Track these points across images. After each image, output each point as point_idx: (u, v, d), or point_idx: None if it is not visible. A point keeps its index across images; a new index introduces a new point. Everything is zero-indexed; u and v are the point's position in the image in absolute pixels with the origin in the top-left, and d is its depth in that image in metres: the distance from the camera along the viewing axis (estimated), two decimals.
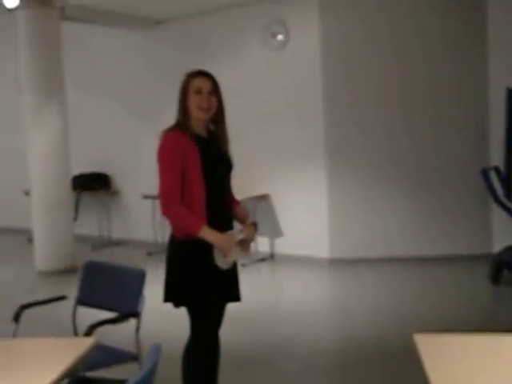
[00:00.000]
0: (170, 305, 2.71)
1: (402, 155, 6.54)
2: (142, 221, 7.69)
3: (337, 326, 4.85)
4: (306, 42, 6.64)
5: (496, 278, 5.52)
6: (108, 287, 2.88)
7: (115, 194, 8.27)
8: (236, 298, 2.83)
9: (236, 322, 4.24)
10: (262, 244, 6.91)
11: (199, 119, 2.72)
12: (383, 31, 6.45)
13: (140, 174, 7.65)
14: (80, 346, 2.09)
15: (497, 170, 5.86)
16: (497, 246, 6.12)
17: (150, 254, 7.17)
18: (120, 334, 3.04)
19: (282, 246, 6.98)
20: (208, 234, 2.59)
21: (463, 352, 2.01)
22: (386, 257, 6.47)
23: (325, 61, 6.55)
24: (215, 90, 2.72)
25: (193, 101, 2.68)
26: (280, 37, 6.79)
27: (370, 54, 6.48)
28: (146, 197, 6.98)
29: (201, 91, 2.68)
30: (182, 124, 2.70)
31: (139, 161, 7.69)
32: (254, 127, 6.98)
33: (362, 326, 4.62)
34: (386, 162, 6.56)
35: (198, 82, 2.70)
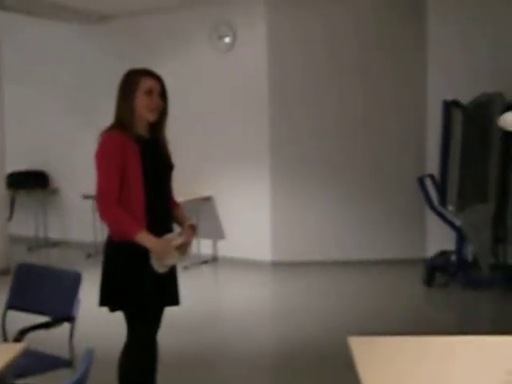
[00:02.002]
0: (105, 308, 2.66)
1: (342, 162, 6.66)
2: (81, 221, 7.51)
3: (278, 328, 4.89)
4: (253, 44, 6.68)
5: (429, 281, 5.72)
6: (41, 290, 2.80)
7: (53, 192, 8.05)
8: (175, 301, 2.82)
9: (178, 325, 4.22)
10: (204, 246, 6.89)
11: (144, 120, 2.68)
12: (325, 37, 6.55)
13: (80, 173, 7.45)
14: (8, 351, 2.02)
15: (432, 177, 6.07)
16: (431, 251, 6.32)
17: (89, 255, 7.01)
18: (54, 340, 2.96)
19: (225, 249, 6.97)
20: (145, 239, 2.56)
21: (395, 354, 2.07)
22: (326, 260, 6.57)
23: (271, 63, 6.60)
24: (164, 92, 2.70)
25: (142, 101, 2.63)
26: (227, 39, 6.80)
27: (320, 57, 6.57)
28: (85, 197, 6.82)
29: (152, 92, 2.65)
30: (126, 124, 2.64)
31: (79, 159, 7.49)
32: (199, 129, 6.95)
33: (303, 328, 4.68)
34: (326, 168, 6.67)
35: (150, 83, 2.65)
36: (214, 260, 6.98)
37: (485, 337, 2.18)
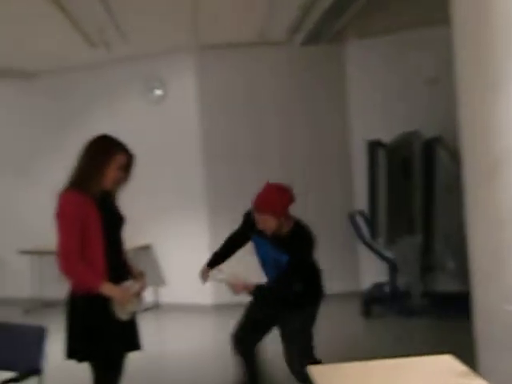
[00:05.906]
0: (66, 362, 2.73)
1: None
2: (17, 277, 7.33)
3: (224, 370, 4.98)
4: (183, 95, 6.93)
5: (367, 312, 6.02)
6: (6, 346, 2.83)
7: None
8: (137, 346, 2.94)
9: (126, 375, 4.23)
10: (146, 294, 6.90)
11: (106, 187, 2.83)
12: (260, 87, 6.89)
13: (15, 229, 7.34)
14: None
15: (362, 213, 6.45)
16: (365, 284, 6.65)
17: (27, 311, 6.83)
18: None
19: (167, 295, 7.03)
20: (108, 289, 2.73)
21: (352, 377, 2.29)
22: None
23: (203, 114, 6.86)
24: (130, 165, 2.91)
25: (113, 174, 2.81)
26: (158, 91, 7.02)
27: (248, 107, 6.89)
28: (23, 252, 6.70)
29: (123, 168, 2.82)
30: (88, 187, 2.77)
31: (13, 214, 7.38)
32: (135, 180, 7.01)
33: None
34: None
35: (124, 159, 2.83)
36: (156, 307, 7.01)
37: (421, 357, 2.49)
